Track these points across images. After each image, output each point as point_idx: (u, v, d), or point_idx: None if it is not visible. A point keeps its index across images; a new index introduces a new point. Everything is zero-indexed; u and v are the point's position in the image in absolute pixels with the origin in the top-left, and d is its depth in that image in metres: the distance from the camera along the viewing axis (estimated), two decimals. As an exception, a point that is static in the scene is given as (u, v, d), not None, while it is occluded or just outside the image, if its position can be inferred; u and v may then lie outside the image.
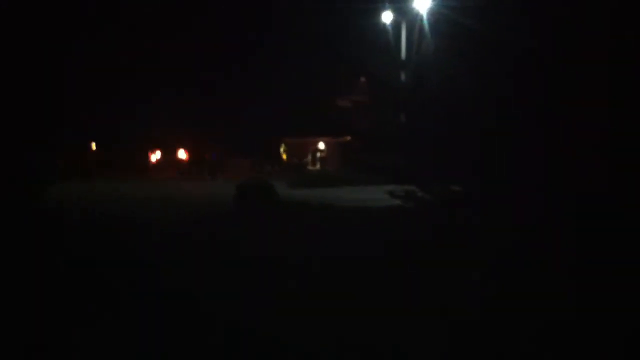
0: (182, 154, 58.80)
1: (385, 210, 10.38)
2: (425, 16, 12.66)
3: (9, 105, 7.86)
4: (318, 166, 45.40)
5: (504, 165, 8.28)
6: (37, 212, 8.56)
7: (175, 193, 20.75)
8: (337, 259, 5.97)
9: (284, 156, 49.73)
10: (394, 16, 19.45)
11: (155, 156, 62.36)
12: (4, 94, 7.78)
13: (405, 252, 6.23)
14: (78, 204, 13.64)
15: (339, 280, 5.04)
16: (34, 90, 8.11)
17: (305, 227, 9.04)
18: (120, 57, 9.24)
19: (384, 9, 21.09)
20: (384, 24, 20.07)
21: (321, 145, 47.11)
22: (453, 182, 9.75)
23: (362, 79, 38.06)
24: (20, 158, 8.27)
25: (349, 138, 36.24)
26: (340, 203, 12.76)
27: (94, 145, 47.37)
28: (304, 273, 5.52)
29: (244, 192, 12.99)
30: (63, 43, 8.35)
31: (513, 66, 8.15)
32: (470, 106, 8.82)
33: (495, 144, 8.35)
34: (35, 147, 8.57)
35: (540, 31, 7.71)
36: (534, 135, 7.77)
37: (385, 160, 11.40)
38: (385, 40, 17.14)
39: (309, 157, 47.37)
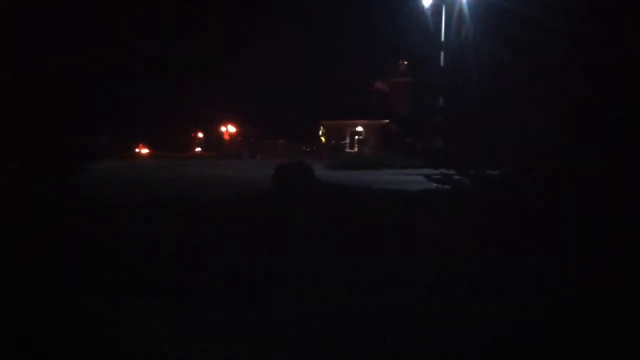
0: (222, 135, 59.63)
1: (421, 193, 10.46)
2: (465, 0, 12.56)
3: (60, 91, 8.28)
4: (356, 149, 45.47)
5: (543, 153, 8.20)
6: (71, 188, 9.00)
7: (214, 172, 21.24)
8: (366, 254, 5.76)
9: (323, 138, 49.86)
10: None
11: (197, 137, 63.43)
12: (56, 79, 8.19)
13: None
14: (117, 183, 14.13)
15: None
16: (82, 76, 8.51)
17: (341, 209, 9.19)
18: (163, 43, 9.48)
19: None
20: (423, 7, 19.93)
21: (359, 128, 47.07)
22: (491, 166, 9.72)
23: (401, 62, 37.79)
24: (63, 139, 8.72)
25: (387, 121, 36.11)
26: (377, 186, 12.88)
27: (139, 128, 48.63)
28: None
29: (282, 174, 13.22)
30: (119, 33, 8.71)
31: (560, 52, 8.00)
32: (511, 91, 8.75)
33: (537, 130, 8.27)
34: (78, 129, 9.02)
35: (589, 16, 7.51)
36: (578, 125, 7.64)
37: (423, 143, 11.39)
38: (424, 23, 17.04)
39: (347, 140, 47.42)
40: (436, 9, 17.28)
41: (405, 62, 35.42)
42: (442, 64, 11.12)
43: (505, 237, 6.13)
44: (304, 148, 46.25)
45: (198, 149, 58.04)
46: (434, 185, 10.01)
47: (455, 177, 9.73)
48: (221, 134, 59.20)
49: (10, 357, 3.25)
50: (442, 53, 11.38)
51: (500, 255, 5.50)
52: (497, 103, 8.97)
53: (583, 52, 7.63)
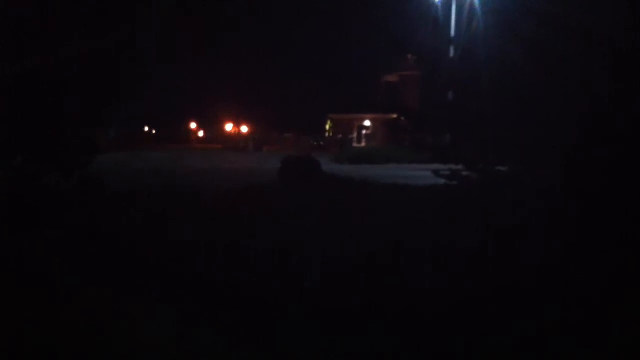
0: (228, 128, 59.58)
1: (428, 188, 10.32)
2: (476, -7, 12.34)
3: (64, 86, 8.27)
4: (363, 143, 45.27)
5: (554, 150, 8.03)
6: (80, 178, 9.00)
7: (221, 165, 21.20)
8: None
9: (330, 132, 49.73)
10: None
11: (204, 130, 63.45)
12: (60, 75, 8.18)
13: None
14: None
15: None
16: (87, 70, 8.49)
17: (346, 202, 9.11)
18: (171, 37, 9.46)
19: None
20: (433, 0, 19.74)
21: (367, 122, 46.82)
22: (500, 162, 9.58)
23: (410, 56, 37.47)
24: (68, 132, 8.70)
25: (395, 115, 35.90)
26: (384, 180, 12.74)
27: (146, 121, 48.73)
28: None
29: (288, 166, 13.12)
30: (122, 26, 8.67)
31: (576, 49, 7.80)
32: (521, 86, 8.57)
33: (547, 127, 8.11)
34: (84, 122, 8.98)
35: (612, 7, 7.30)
36: (591, 123, 7.45)
37: (431, 138, 11.25)
38: (434, 16, 16.86)
39: (355, 134, 47.23)
40: (446, 2, 17.10)
41: (414, 56, 35.14)
42: (451, 57, 10.95)
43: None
44: (311, 142, 46.15)
45: (203, 141, 58.05)
46: (442, 181, 9.88)
47: (464, 173, 9.58)
48: (226, 125, 59.16)
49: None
50: (452, 46, 11.20)
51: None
52: (508, 98, 8.81)
53: (600, 48, 7.46)
